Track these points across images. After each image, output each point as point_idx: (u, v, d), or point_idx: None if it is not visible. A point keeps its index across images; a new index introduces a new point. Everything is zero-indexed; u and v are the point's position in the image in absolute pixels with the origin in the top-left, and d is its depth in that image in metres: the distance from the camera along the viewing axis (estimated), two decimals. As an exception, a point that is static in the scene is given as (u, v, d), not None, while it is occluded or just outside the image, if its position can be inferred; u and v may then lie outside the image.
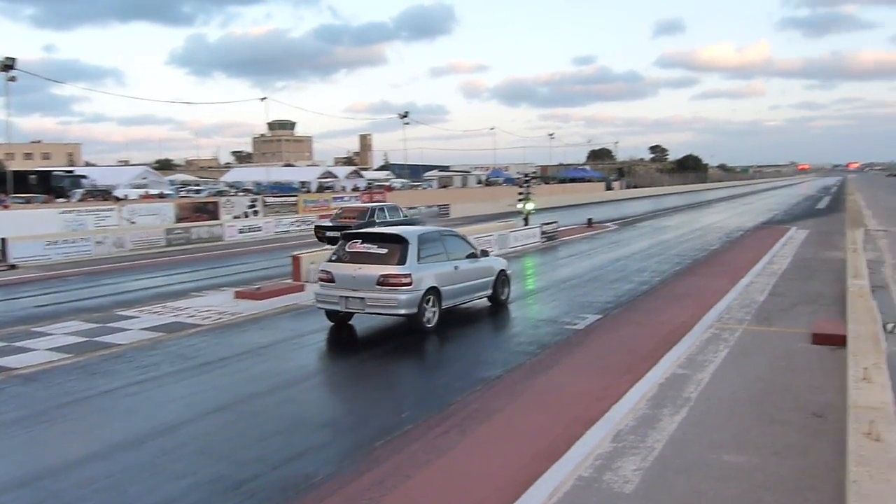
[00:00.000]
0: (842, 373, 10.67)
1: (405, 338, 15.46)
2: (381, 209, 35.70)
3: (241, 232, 43.42)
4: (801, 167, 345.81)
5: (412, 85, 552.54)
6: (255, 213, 51.93)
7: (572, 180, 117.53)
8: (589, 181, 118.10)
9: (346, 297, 15.85)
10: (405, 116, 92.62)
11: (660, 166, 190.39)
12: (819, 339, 14.20)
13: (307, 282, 22.37)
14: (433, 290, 16.14)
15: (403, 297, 15.55)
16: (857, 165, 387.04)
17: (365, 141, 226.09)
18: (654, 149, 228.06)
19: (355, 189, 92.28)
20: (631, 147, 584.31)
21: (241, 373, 13.01)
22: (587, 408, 10.67)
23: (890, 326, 14.89)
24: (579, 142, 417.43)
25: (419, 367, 13.72)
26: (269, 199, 57.03)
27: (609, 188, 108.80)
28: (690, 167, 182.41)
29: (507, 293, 19.33)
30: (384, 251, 16.08)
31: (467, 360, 13.76)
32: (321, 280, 16.40)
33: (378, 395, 11.77)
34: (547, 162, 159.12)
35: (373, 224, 33.15)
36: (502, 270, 19.10)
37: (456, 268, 17.14)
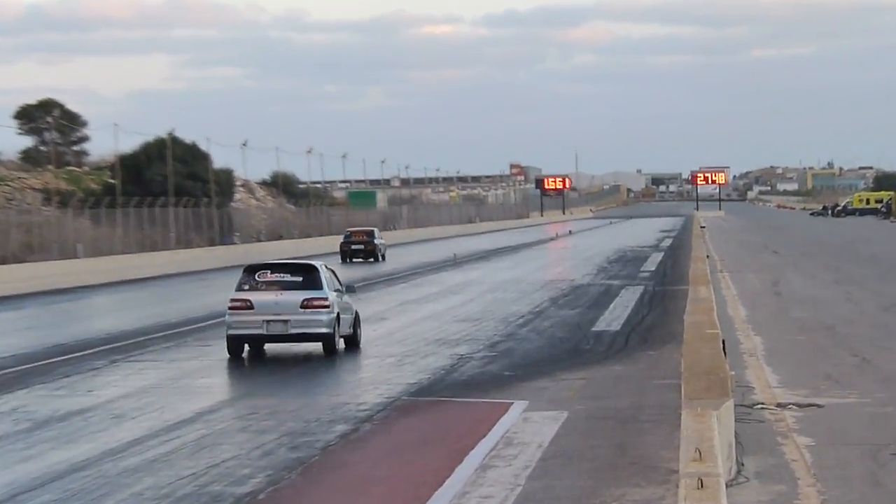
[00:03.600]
0: None
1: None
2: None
3: None
4: (559, 184, 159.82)
5: None
6: None
7: None
8: None
9: (269, 321, 17.72)
10: None
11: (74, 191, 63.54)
12: None
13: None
14: (337, 316, 18.20)
15: (325, 317, 17.85)
16: (722, 180, 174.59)
17: None
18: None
19: None
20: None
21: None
22: None
23: None
24: None
25: None
26: None
27: None
28: (193, 191, 65.21)
29: (360, 335, 19.91)
30: (299, 278, 18.35)
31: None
32: (235, 308, 17.84)
33: None
34: None
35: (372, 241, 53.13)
36: (356, 310, 19.92)
37: (341, 298, 18.82)
